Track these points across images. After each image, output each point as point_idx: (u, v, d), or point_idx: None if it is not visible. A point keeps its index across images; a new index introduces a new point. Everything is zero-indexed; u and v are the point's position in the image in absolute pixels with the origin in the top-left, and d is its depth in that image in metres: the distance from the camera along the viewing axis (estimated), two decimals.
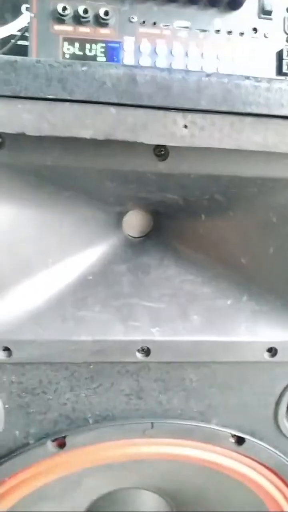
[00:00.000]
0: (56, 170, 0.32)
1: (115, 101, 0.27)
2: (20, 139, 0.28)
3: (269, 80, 0.28)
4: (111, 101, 0.27)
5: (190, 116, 0.28)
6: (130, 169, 0.32)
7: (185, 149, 0.30)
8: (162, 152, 0.31)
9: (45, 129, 0.27)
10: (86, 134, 0.27)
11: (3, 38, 0.50)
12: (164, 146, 0.31)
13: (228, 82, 0.28)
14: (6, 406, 0.38)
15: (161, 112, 0.27)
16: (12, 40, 0.51)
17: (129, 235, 0.44)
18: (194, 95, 0.27)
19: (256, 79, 0.28)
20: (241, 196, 0.37)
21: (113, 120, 0.27)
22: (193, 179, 0.34)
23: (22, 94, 0.26)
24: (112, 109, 0.27)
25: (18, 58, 0.26)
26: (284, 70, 0.50)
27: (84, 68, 0.26)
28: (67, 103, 0.26)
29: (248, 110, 0.28)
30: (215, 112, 0.28)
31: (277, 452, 0.45)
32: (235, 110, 0.28)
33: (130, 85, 0.26)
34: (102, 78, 0.26)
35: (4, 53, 0.52)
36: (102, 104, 0.27)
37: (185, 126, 0.28)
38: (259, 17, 0.50)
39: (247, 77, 0.28)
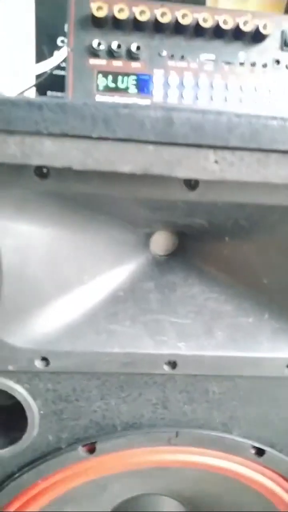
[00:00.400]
0: (94, 197, 0.35)
1: (153, 139, 0.30)
2: (64, 171, 0.32)
3: None
4: (149, 139, 0.30)
5: (220, 152, 0.31)
6: (163, 198, 0.35)
7: (214, 181, 0.33)
8: (193, 183, 0.34)
9: (90, 164, 0.30)
10: (126, 169, 0.30)
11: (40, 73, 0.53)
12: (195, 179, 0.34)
13: (256, 122, 0.30)
14: (41, 412, 0.41)
15: (194, 149, 0.30)
16: (49, 70, 0.55)
17: (156, 254, 0.47)
18: (224, 134, 0.30)
19: (283, 119, 0.31)
20: (264, 222, 0.40)
21: (151, 156, 0.30)
22: (220, 207, 0.37)
23: (70, 133, 0.29)
24: (150, 147, 0.30)
25: (67, 101, 0.29)
26: None
27: (125, 111, 0.29)
28: (110, 141, 0.30)
29: (274, 147, 0.31)
30: (244, 149, 0.31)
31: None
32: (262, 147, 0.31)
33: (166, 126, 0.29)
34: (142, 119, 0.29)
35: (41, 82, 0.56)
36: (141, 143, 0.30)
37: (216, 162, 0.31)
38: (282, 49, 0.52)
39: (274, 118, 0.31)
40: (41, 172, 0.32)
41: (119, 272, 0.44)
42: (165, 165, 0.30)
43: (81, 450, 0.42)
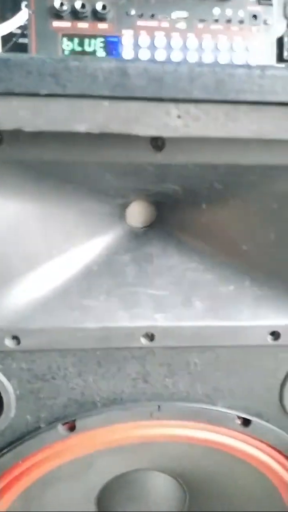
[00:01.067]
0: (56, 164, 0.33)
1: (108, 94, 0.27)
2: (18, 135, 0.29)
3: (263, 67, 0.29)
4: (104, 94, 0.27)
5: (183, 106, 0.28)
6: (128, 161, 0.33)
7: (181, 140, 0.31)
8: (159, 143, 0.32)
9: (41, 124, 0.28)
10: (81, 128, 0.28)
11: (4, 36, 0.51)
12: (160, 137, 0.32)
13: (221, 71, 0.28)
14: (17, 392, 0.40)
15: (154, 104, 0.28)
16: (14, 39, 0.52)
17: (132, 226, 0.45)
18: (186, 86, 0.28)
19: (249, 67, 0.29)
20: (241, 184, 0.38)
21: (107, 113, 0.28)
22: (191, 169, 0.35)
23: (16, 91, 0.27)
24: (105, 103, 0.28)
25: (11, 55, 0.27)
26: (285, 56, 0.50)
27: (76, 63, 0.27)
28: (61, 98, 0.27)
29: (242, 98, 0.29)
30: (209, 102, 0.28)
31: (284, 433, 0.46)
32: (229, 99, 0.29)
33: (122, 78, 0.27)
34: (94, 72, 0.27)
35: (6, 52, 0.53)
36: (96, 98, 0.27)
37: (179, 117, 0.29)
38: (259, 3, 0.49)
39: (240, 66, 0.28)
40: None
41: (94, 245, 0.43)
42: (123, 122, 0.28)
43: (60, 429, 0.41)
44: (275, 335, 0.41)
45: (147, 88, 0.28)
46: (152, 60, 0.27)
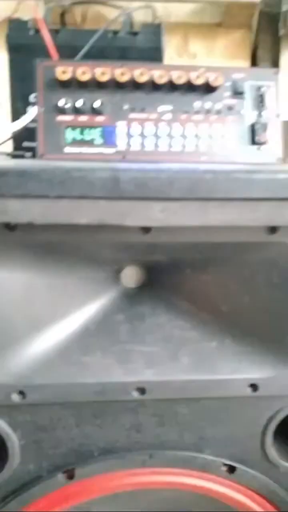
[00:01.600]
0: (59, 244, 0.40)
1: (104, 195, 0.34)
2: (30, 224, 0.36)
3: (227, 172, 0.36)
4: (100, 196, 0.34)
5: (164, 204, 0.35)
6: (121, 241, 0.40)
7: (164, 226, 0.38)
8: (146, 229, 0.39)
9: (50, 218, 0.35)
10: (83, 221, 0.35)
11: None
12: None
13: (193, 176, 0.35)
14: (22, 442, 0.45)
15: (140, 202, 0.35)
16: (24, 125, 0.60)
17: (126, 286, 0.51)
18: (166, 188, 0.35)
19: (215, 172, 0.36)
20: (217, 256, 0.44)
21: (103, 209, 0.35)
22: (174, 245, 0.42)
23: (31, 194, 0.34)
24: (102, 202, 0.35)
25: (27, 167, 0.34)
26: (256, 140, 0.58)
27: (78, 174, 0.34)
28: (66, 199, 0.34)
29: (211, 196, 0.36)
30: (184, 199, 0.35)
31: (266, 478, 0.49)
32: (200, 196, 0.36)
33: (114, 184, 0.34)
34: (93, 180, 0.34)
35: (17, 135, 0.61)
36: (94, 198, 0.34)
37: (161, 211, 0.36)
38: (233, 97, 0.58)
39: (208, 171, 0.36)
40: (9, 226, 0.37)
41: (91, 307, 0.48)
42: (116, 216, 0.35)
43: (60, 477, 0.45)
44: (254, 387, 0.46)
45: (135, 191, 0.35)
46: (139, 169, 0.34)
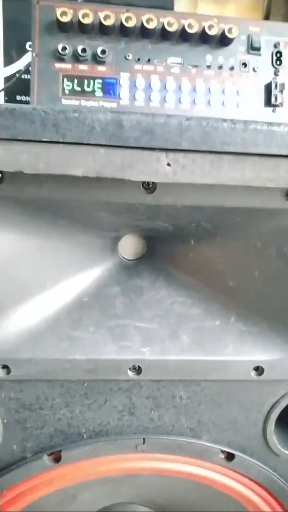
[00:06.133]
0: (52, 201, 0.35)
1: (104, 143, 0.29)
2: (18, 175, 0.31)
3: (245, 122, 0.31)
4: (100, 143, 0.29)
5: (172, 155, 0.30)
6: (121, 201, 0.35)
7: (171, 184, 0.33)
8: (150, 186, 0.34)
9: (41, 168, 0.30)
10: (78, 172, 0.30)
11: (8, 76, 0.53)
12: (151, 182, 0.34)
13: (207, 124, 0.30)
14: (5, 421, 0.41)
15: (146, 152, 0.30)
16: (17, 74, 0.55)
17: (124, 258, 0.47)
18: (175, 137, 0.30)
19: (233, 121, 0.31)
20: (226, 224, 0.40)
21: (102, 159, 0.30)
22: (180, 209, 0.37)
23: (20, 137, 0.29)
24: (102, 150, 0.30)
25: (16, 106, 0.29)
26: (272, 101, 0.53)
27: (75, 115, 0.29)
28: (61, 145, 0.29)
29: (226, 149, 0.31)
30: (196, 152, 0.31)
31: (267, 468, 0.46)
32: (214, 149, 0.31)
33: (117, 129, 0.29)
34: (92, 123, 0.29)
35: (9, 87, 0.55)
36: (92, 146, 0.29)
37: (168, 164, 0.31)
38: (249, 53, 0.53)
39: (225, 120, 0.31)
40: None
41: (85, 277, 0.44)
42: (117, 168, 0.30)
43: (46, 459, 0.42)
44: (259, 370, 0.42)
45: (140, 138, 0.29)
46: (144, 113, 0.29)
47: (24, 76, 0.56)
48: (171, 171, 0.31)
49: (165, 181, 0.31)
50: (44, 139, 0.29)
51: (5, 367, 0.38)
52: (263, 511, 0.48)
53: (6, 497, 0.42)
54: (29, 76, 0.53)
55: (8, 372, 0.38)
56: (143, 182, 0.34)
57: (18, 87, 0.56)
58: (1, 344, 0.38)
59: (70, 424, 0.42)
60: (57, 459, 0.42)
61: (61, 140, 0.29)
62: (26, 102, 0.52)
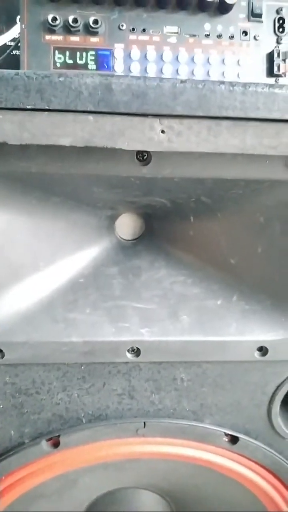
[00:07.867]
0: (42, 176, 0.33)
1: (92, 109, 0.27)
2: (4, 148, 0.29)
3: (244, 84, 0.29)
4: (88, 109, 0.27)
5: (166, 121, 0.28)
6: (115, 174, 0.33)
7: (166, 154, 0.31)
8: (145, 157, 0.32)
9: (26, 138, 0.28)
10: (65, 141, 0.28)
11: None
12: (146, 151, 0.32)
13: (203, 87, 0.28)
14: (1, 406, 0.40)
15: (137, 119, 0.28)
16: (7, 50, 0.53)
17: (121, 238, 0.45)
18: (169, 101, 0.28)
19: (231, 83, 0.29)
20: (227, 198, 0.38)
21: (91, 127, 0.28)
22: (177, 183, 0.35)
23: (2, 105, 0.27)
24: (90, 117, 0.28)
25: None
26: (275, 71, 0.50)
27: (61, 79, 0.27)
28: (46, 113, 0.27)
29: (224, 114, 0.29)
30: (192, 117, 0.28)
31: (271, 450, 0.45)
32: (211, 114, 0.29)
33: (106, 94, 0.27)
34: (79, 88, 0.27)
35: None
36: (80, 113, 0.27)
37: (162, 131, 0.29)
38: (249, 20, 0.50)
39: (222, 82, 0.28)
40: None
41: (81, 258, 0.42)
42: (107, 136, 0.28)
43: (44, 445, 0.41)
44: (263, 350, 0.41)
45: (131, 103, 0.28)
46: (135, 76, 0.27)
47: (15, 52, 0.53)
48: (165, 138, 0.29)
49: (159, 150, 0.29)
50: (28, 107, 0.27)
51: None
52: (270, 494, 0.46)
53: (4, 483, 0.42)
54: (18, 51, 0.51)
55: (2, 356, 0.37)
56: (137, 153, 0.32)
57: (7, 62, 0.53)
58: None
59: (68, 409, 0.41)
60: (56, 444, 0.41)
61: (46, 107, 0.27)
62: None
